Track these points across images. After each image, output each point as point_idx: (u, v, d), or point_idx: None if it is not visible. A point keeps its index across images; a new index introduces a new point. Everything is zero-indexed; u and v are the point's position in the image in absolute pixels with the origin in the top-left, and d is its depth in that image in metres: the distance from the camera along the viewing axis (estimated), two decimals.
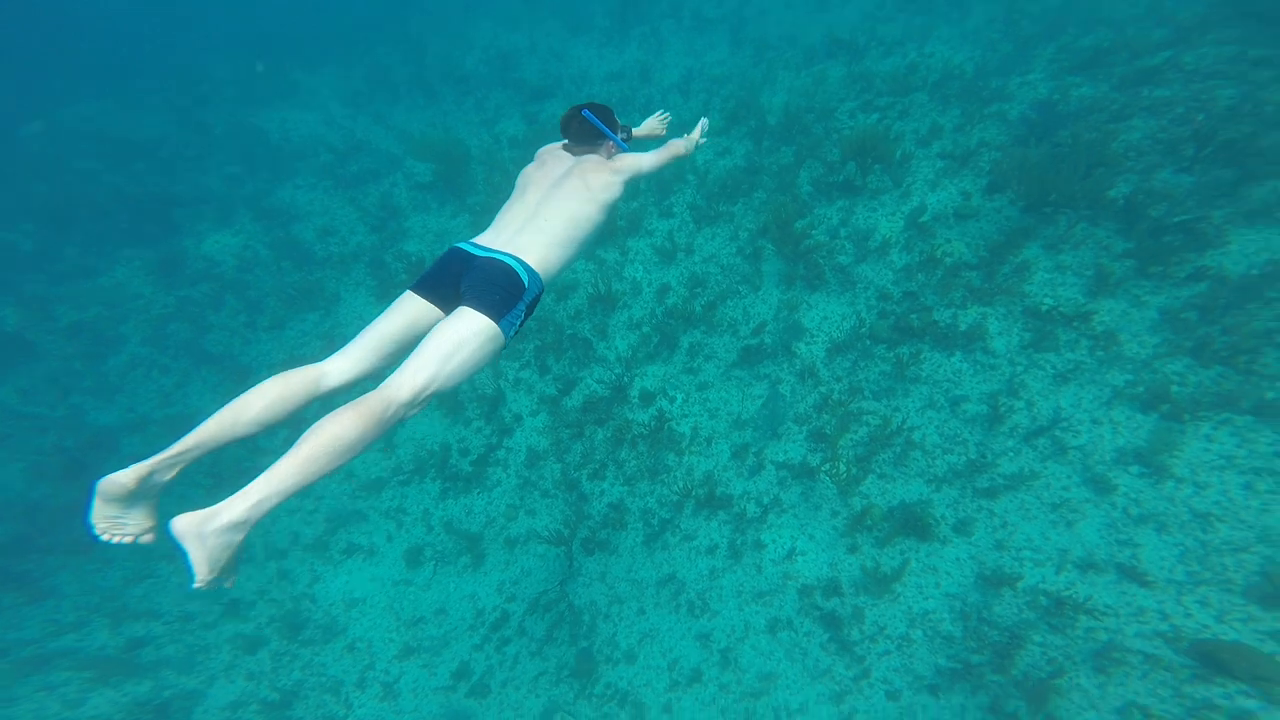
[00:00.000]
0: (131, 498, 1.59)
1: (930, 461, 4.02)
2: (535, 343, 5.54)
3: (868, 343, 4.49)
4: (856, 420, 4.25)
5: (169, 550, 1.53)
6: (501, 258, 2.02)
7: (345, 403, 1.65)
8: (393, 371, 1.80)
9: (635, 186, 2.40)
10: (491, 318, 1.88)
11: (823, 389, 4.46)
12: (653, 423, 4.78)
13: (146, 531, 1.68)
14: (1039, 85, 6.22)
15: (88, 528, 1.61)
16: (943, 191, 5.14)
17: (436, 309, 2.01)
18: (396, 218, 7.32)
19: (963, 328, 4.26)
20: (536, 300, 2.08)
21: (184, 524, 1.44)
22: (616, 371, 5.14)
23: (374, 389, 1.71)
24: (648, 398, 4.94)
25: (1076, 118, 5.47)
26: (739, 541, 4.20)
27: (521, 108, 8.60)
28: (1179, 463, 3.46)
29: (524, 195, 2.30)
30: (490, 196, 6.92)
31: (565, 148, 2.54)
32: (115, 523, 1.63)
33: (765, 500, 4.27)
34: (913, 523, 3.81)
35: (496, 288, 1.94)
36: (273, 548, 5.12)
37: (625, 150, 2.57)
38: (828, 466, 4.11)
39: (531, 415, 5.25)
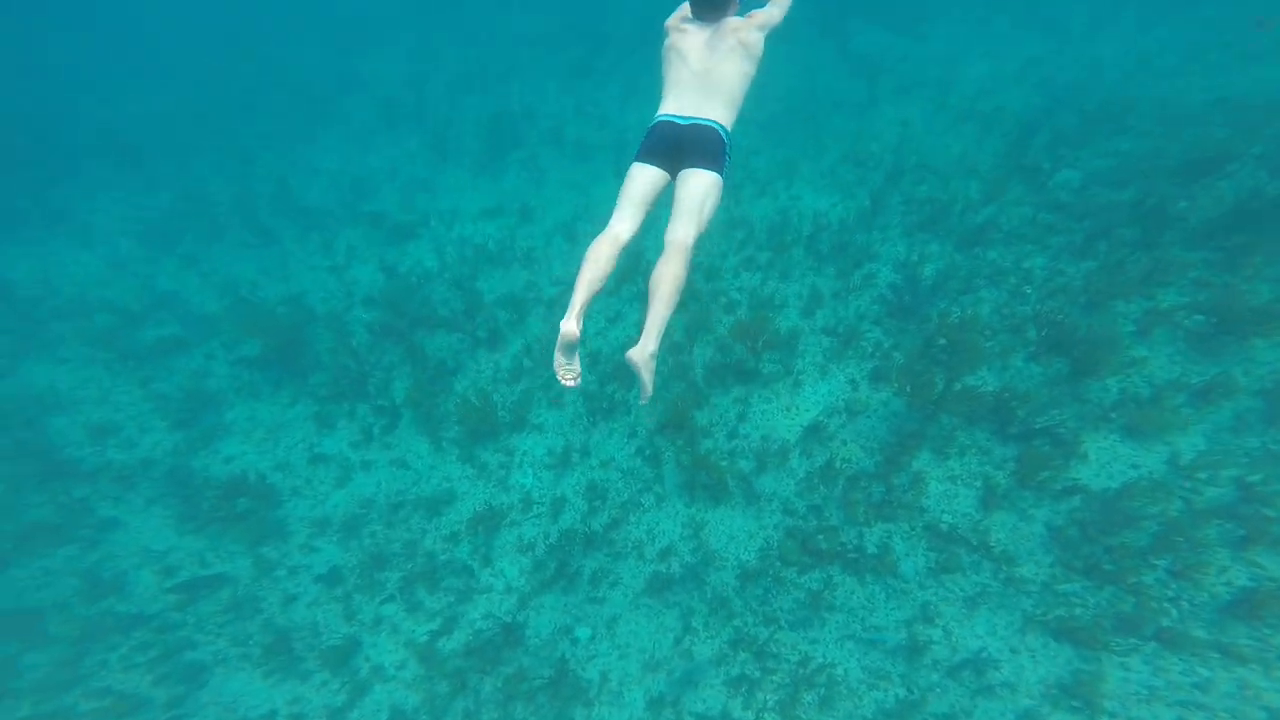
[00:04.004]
0: (575, 343, 2.34)
1: (857, 702, 3.78)
2: (400, 573, 4.68)
3: (778, 565, 4.25)
4: (775, 659, 3.94)
5: None
6: (703, 123, 2.61)
7: (630, 249, 2.57)
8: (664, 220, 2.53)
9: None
10: (715, 171, 2.55)
11: (736, 622, 4.12)
12: (553, 671, 4.14)
13: (579, 375, 2.44)
14: (896, 242, 6.65)
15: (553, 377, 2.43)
16: (832, 380, 5.18)
17: (661, 170, 2.60)
18: (212, 408, 5.74)
19: (870, 549, 4.17)
20: (732, 146, 2.67)
21: (633, 353, 2.27)
22: (507, 605, 4.45)
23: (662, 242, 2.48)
24: (546, 636, 4.30)
25: (935, 288, 5.85)
26: None
27: (379, 251, 7.51)
28: (1105, 697, 3.40)
29: (687, 64, 2.71)
30: (339, 376, 5.58)
31: (695, 13, 2.82)
32: (568, 368, 2.40)
33: None
34: None
35: (710, 146, 2.57)
36: None
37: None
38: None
39: (397, 667, 4.35)
